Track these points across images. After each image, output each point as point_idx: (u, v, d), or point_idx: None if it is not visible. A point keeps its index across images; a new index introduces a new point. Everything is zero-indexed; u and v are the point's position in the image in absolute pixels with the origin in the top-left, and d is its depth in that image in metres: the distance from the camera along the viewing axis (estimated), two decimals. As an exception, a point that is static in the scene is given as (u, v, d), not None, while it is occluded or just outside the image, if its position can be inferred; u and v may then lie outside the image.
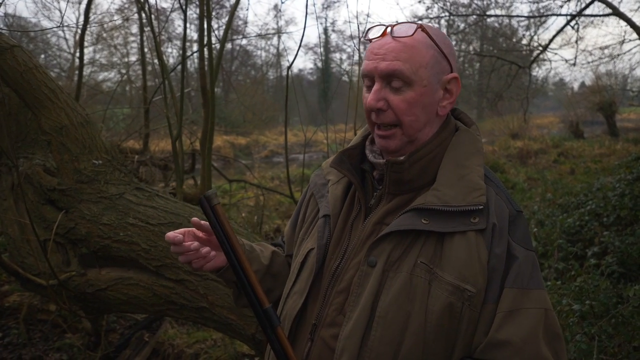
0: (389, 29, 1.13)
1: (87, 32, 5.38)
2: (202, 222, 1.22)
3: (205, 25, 3.75)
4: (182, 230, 1.22)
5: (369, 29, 1.18)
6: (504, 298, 1.06)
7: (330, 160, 1.36)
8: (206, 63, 3.82)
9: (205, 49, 3.86)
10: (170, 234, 1.19)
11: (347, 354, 1.07)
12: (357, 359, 1.06)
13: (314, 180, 1.36)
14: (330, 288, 1.16)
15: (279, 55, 34.60)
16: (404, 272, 1.08)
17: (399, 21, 1.17)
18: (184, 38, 4.33)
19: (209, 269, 1.25)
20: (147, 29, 6.16)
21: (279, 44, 34.34)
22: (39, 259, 2.55)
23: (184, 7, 4.02)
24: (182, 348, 3.99)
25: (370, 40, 1.17)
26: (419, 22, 1.16)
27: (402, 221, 1.10)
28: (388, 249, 1.10)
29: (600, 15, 8.79)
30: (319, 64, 37.08)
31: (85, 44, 5.42)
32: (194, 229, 1.24)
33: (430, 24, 1.20)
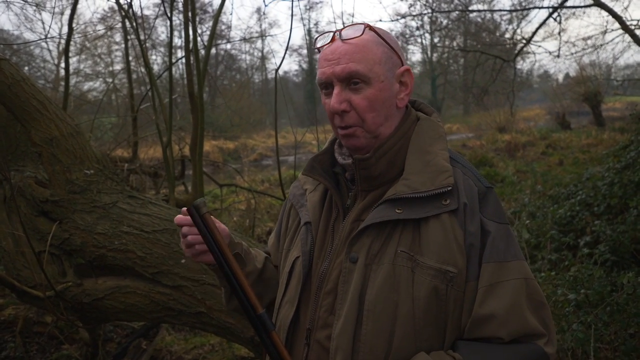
0: (337, 34, 1.15)
1: (71, 42, 5.35)
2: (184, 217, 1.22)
3: (191, 31, 3.74)
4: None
5: (316, 38, 1.20)
6: (483, 273, 1.08)
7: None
8: (193, 68, 3.82)
9: (191, 55, 3.86)
10: (180, 217, 1.22)
11: (342, 352, 1.08)
12: (352, 355, 1.08)
13: (293, 192, 1.38)
14: (319, 291, 1.17)
15: (263, 58, 34.65)
16: (386, 263, 1.09)
17: (346, 25, 1.20)
18: (170, 44, 4.32)
19: (205, 261, 1.27)
20: (131, 36, 6.14)
21: (263, 47, 34.38)
22: (34, 271, 2.54)
23: (169, 14, 4.01)
24: (180, 354, 3.98)
25: (318, 50, 1.19)
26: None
27: (376, 214, 1.12)
28: (367, 243, 1.12)
29: (581, 7, 8.90)
30: (304, 66, 37.11)
31: (70, 54, 5.38)
32: None
33: (365, 23, 1.22)
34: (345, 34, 1.14)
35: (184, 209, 1.21)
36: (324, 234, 1.23)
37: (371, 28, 1.16)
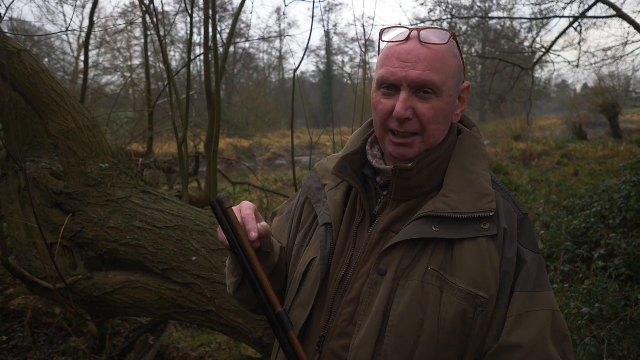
0: (414, 34, 1.09)
1: (91, 35, 5.40)
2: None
3: (211, 29, 3.75)
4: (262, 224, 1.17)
5: (384, 30, 1.13)
6: (514, 302, 1.05)
7: (324, 163, 1.34)
8: (212, 65, 3.82)
9: (210, 52, 3.86)
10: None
11: None
12: None
13: (308, 184, 1.32)
14: (338, 298, 1.14)
15: (281, 58, 34.72)
16: (416, 280, 1.06)
17: (427, 25, 1.15)
18: (190, 41, 4.33)
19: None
20: (151, 32, 6.18)
21: (281, 47, 34.44)
22: (45, 263, 2.55)
23: (189, 10, 4.02)
24: (187, 351, 3.98)
25: (381, 42, 1.13)
26: (422, 24, 1.14)
27: (413, 229, 1.09)
28: (398, 257, 1.09)
29: (603, 17, 8.77)
30: (321, 67, 37.15)
31: (90, 47, 5.42)
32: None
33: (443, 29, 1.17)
34: (426, 36, 1.08)
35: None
36: (346, 238, 1.19)
37: (455, 38, 1.11)
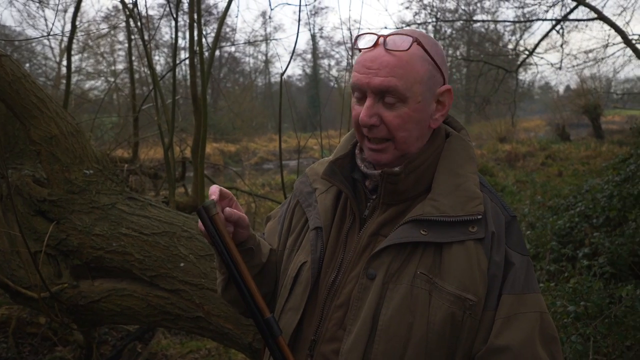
0: (381, 40, 1.09)
1: (74, 40, 5.34)
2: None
3: (196, 32, 3.73)
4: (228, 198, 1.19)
5: (358, 36, 1.13)
6: (502, 304, 1.06)
7: (315, 167, 1.34)
8: (197, 70, 3.81)
9: (196, 56, 3.84)
10: (214, 188, 1.17)
11: None
12: None
13: (299, 188, 1.32)
14: (328, 302, 1.14)
15: (267, 61, 34.68)
16: (404, 284, 1.07)
17: (391, 30, 1.15)
18: (175, 46, 4.31)
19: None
20: (135, 36, 6.14)
21: (267, 51, 34.40)
22: (29, 272, 2.50)
23: (174, 14, 4.00)
24: (175, 358, 3.95)
25: (359, 49, 1.13)
26: (407, 27, 1.13)
27: (401, 233, 1.09)
28: (387, 261, 1.09)
29: (584, 20, 8.92)
30: (308, 70, 37.19)
31: (72, 52, 5.37)
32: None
33: (423, 32, 1.16)
34: (391, 43, 1.07)
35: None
36: (336, 242, 1.19)
37: (419, 43, 1.09)
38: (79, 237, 2.46)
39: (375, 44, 1.09)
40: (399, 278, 1.08)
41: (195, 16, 3.60)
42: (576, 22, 9.64)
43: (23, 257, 2.54)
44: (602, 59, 11.11)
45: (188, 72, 3.90)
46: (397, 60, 1.06)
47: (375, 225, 1.15)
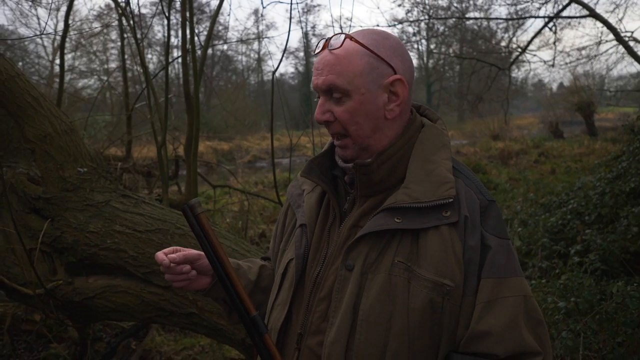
0: (329, 42, 1.14)
1: (67, 39, 5.33)
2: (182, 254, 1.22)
3: (188, 31, 3.74)
4: (170, 248, 1.22)
5: (320, 41, 1.18)
6: (481, 289, 1.07)
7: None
8: (190, 69, 3.81)
9: (188, 55, 3.85)
10: (160, 256, 1.19)
11: None
12: None
13: (290, 192, 1.36)
14: (312, 296, 1.16)
15: (260, 60, 34.66)
16: (382, 273, 1.08)
17: (338, 33, 1.18)
18: (167, 44, 4.31)
19: (193, 289, 1.27)
20: (127, 35, 6.13)
21: (259, 49, 34.35)
22: (24, 269, 2.52)
23: (166, 12, 4.00)
24: (169, 355, 3.96)
25: (315, 54, 1.18)
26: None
27: (375, 222, 1.10)
28: (364, 251, 1.10)
29: (577, 17, 8.98)
30: (300, 69, 37.17)
31: (65, 51, 5.36)
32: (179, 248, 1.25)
33: (374, 29, 1.18)
34: (331, 43, 1.13)
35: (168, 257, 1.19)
36: (320, 237, 1.21)
37: (352, 38, 1.12)
38: (73, 234, 2.48)
39: (324, 47, 1.15)
40: (377, 267, 1.09)
41: (188, 14, 3.61)
42: (569, 20, 9.73)
43: (18, 255, 2.55)
44: (595, 56, 11.21)
45: (181, 70, 3.91)
46: (335, 58, 1.11)
47: (354, 217, 1.17)
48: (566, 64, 12.25)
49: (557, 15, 8.78)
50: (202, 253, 1.22)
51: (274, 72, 3.48)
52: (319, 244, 1.21)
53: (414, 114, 1.24)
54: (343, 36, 1.12)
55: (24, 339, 4.06)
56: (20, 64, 15.11)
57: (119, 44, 6.74)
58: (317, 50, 1.16)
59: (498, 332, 1.04)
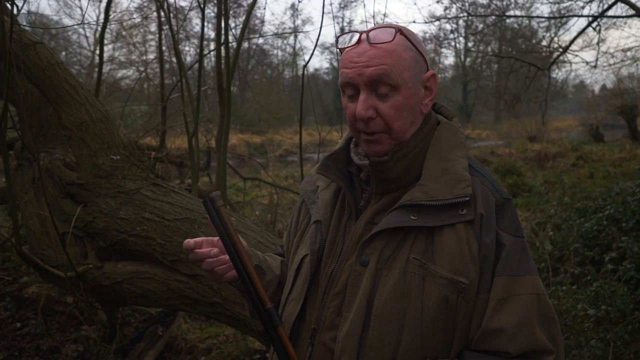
0: (364, 36, 1.11)
1: (107, 30, 5.46)
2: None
3: (223, 24, 3.78)
4: (200, 239, 1.23)
5: (338, 37, 1.16)
6: (495, 286, 1.06)
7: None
8: (223, 62, 3.85)
9: (222, 48, 3.89)
10: (190, 242, 1.20)
11: (347, 355, 1.07)
12: (357, 358, 1.07)
13: (304, 187, 1.36)
14: (327, 292, 1.17)
15: (295, 54, 34.75)
16: (397, 269, 1.08)
17: (375, 26, 1.16)
18: (202, 37, 4.36)
19: (229, 278, 1.27)
20: (165, 27, 6.23)
21: (295, 43, 34.45)
22: (57, 252, 2.60)
23: (202, 5, 4.05)
24: (194, 343, 4.03)
25: (341, 50, 1.15)
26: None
27: (391, 219, 1.10)
28: (379, 248, 1.10)
29: (623, 17, 8.68)
30: (335, 64, 37.08)
31: (105, 41, 5.49)
32: (212, 238, 1.25)
33: (398, 24, 1.18)
34: (374, 37, 1.10)
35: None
36: (335, 234, 1.22)
37: (402, 32, 1.12)
38: (104, 220, 2.54)
39: (359, 41, 1.12)
40: (392, 264, 1.09)
41: (223, 8, 3.64)
42: (614, 19, 9.41)
43: (52, 238, 2.64)
44: (640, 58, 10.79)
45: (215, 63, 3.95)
46: (383, 51, 1.09)
47: (370, 214, 1.17)
48: (610, 65, 11.87)
49: (602, 14, 8.50)
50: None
51: (304, 66, 3.48)
52: (334, 241, 1.21)
53: (430, 111, 1.23)
54: (393, 30, 1.11)
55: (56, 320, 4.20)
56: (63, 53, 15.59)
57: (157, 36, 6.86)
58: (344, 44, 1.14)
59: (510, 329, 1.03)
